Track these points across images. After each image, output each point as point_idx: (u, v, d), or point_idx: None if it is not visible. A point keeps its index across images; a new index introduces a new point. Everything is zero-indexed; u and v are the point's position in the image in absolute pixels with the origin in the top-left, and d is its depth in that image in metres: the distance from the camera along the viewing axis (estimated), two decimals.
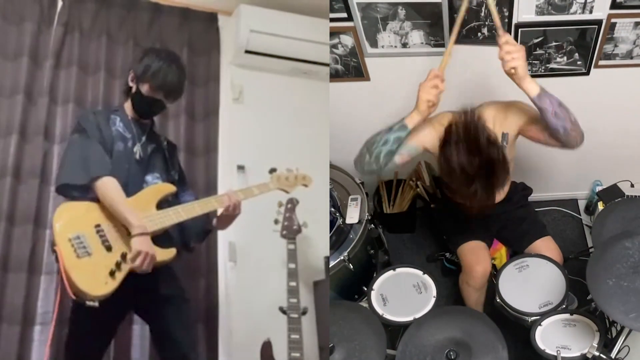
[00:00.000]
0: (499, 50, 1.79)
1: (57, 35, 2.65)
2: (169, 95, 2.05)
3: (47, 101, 2.56)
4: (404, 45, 2.21)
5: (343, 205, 2.46)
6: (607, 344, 1.92)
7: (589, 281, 1.77)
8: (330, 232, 2.32)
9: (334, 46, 2.26)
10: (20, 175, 2.46)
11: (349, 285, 2.41)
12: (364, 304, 2.17)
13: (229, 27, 3.01)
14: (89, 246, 1.83)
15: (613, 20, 2.05)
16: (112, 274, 1.81)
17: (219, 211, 2.15)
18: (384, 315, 2.05)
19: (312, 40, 2.94)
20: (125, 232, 1.89)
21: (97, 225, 1.87)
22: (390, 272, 2.20)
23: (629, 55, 2.18)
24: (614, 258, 1.80)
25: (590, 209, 2.94)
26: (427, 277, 2.16)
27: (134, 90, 2.04)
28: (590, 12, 2.03)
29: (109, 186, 1.89)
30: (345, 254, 2.28)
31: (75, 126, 2.01)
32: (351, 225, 2.39)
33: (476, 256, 2.23)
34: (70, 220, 1.86)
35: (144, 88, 2.01)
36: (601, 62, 2.22)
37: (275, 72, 3.10)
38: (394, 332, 2.14)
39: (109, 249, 1.85)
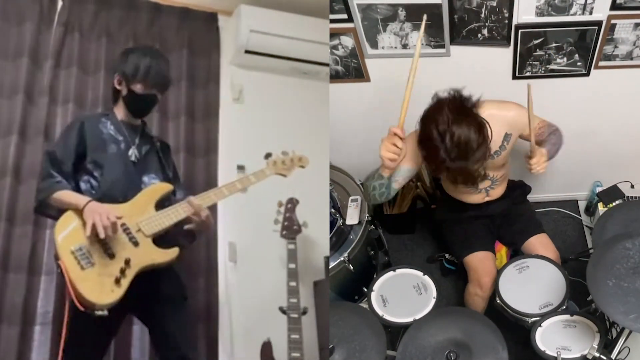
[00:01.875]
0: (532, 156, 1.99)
1: (57, 35, 2.65)
2: (163, 88, 2.08)
3: (47, 101, 2.56)
4: (404, 46, 2.21)
5: (343, 206, 2.46)
6: (607, 345, 1.92)
7: (589, 282, 1.77)
8: (330, 233, 2.32)
9: (334, 47, 2.26)
10: (20, 175, 2.46)
11: (349, 286, 2.41)
12: (364, 304, 2.17)
13: (229, 27, 3.01)
14: (92, 256, 1.84)
15: (613, 21, 2.05)
16: (117, 281, 1.82)
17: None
18: (384, 316, 2.05)
19: (312, 40, 2.94)
20: (126, 237, 1.90)
21: (97, 235, 1.86)
22: (391, 273, 2.21)
23: (629, 56, 2.18)
24: (614, 259, 1.81)
25: (590, 209, 2.94)
26: (427, 278, 2.16)
27: (124, 92, 2.06)
28: (590, 13, 2.02)
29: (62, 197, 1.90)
30: (346, 254, 2.28)
31: (60, 136, 2.06)
32: (351, 226, 2.39)
33: (483, 267, 2.22)
34: (71, 231, 1.86)
35: (138, 87, 2.03)
36: (601, 63, 2.22)
37: (275, 72, 3.10)
38: (394, 333, 2.14)
39: (111, 256, 1.86)
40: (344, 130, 2.65)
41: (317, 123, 2.93)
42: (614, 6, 2.00)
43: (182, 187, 2.23)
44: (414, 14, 2.08)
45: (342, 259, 2.28)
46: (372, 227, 2.47)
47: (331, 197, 2.45)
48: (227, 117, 2.95)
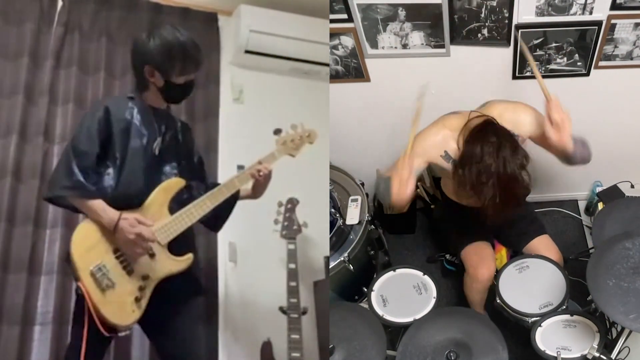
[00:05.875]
0: (550, 110, 1.86)
1: (57, 35, 2.66)
2: (198, 67, 1.95)
3: (47, 101, 2.56)
4: (404, 46, 2.21)
5: (343, 206, 2.46)
6: (607, 345, 1.92)
7: (589, 282, 1.77)
8: (330, 233, 2.32)
9: (334, 47, 2.26)
10: (20, 175, 2.46)
11: (349, 286, 2.40)
12: (364, 304, 2.17)
13: (229, 27, 3.02)
14: (112, 275, 1.78)
15: (613, 21, 2.05)
16: (137, 300, 1.79)
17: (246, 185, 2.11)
18: (384, 316, 2.05)
19: (312, 40, 2.94)
20: None
21: (116, 250, 1.81)
22: (391, 273, 2.21)
23: (629, 56, 2.18)
24: (614, 259, 1.81)
25: (590, 209, 2.94)
26: (427, 278, 2.16)
27: (161, 84, 1.91)
28: (590, 13, 2.03)
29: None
30: (346, 254, 2.28)
31: (81, 123, 1.88)
32: (351, 226, 2.38)
33: (480, 257, 2.21)
34: (88, 248, 1.79)
35: (179, 79, 1.91)
36: (601, 63, 2.22)
37: (275, 72, 3.10)
38: (394, 333, 2.14)
39: (130, 272, 1.81)
40: (344, 130, 2.65)
41: (317, 123, 2.92)
42: (614, 6, 2.00)
43: (204, 173, 2.16)
44: (414, 14, 2.08)
45: (342, 258, 2.28)
46: (372, 227, 2.47)
47: (331, 197, 2.45)
48: (227, 117, 2.95)
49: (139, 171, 1.88)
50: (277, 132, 2.21)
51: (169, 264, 1.89)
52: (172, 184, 1.95)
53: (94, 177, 1.82)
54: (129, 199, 1.86)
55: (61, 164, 1.83)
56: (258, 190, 2.17)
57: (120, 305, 1.77)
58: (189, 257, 1.92)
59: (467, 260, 2.27)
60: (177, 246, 1.92)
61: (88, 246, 1.80)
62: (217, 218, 2.11)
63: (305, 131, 2.22)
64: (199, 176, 2.12)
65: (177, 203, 1.96)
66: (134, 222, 1.79)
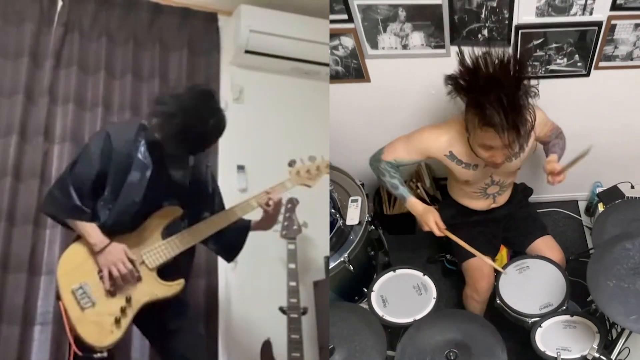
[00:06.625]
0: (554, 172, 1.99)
1: (57, 35, 2.66)
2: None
3: (47, 101, 2.57)
4: (405, 46, 2.20)
5: (343, 206, 2.45)
6: (607, 346, 1.92)
7: (589, 282, 1.77)
8: (330, 234, 2.32)
9: (334, 48, 2.25)
10: (20, 175, 2.46)
11: (349, 286, 2.40)
12: (364, 305, 2.17)
13: (229, 27, 3.02)
14: (93, 295, 1.79)
15: (613, 21, 2.05)
16: (117, 321, 1.77)
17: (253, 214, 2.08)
18: (383, 317, 2.05)
19: (312, 41, 2.95)
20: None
21: (101, 271, 1.82)
22: (391, 274, 2.20)
23: (629, 56, 2.18)
24: (614, 259, 1.81)
25: (590, 210, 2.94)
26: (427, 279, 2.16)
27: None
28: (591, 13, 2.02)
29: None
30: (346, 255, 2.27)
31: (84, 147, 1.89)
32: (351, 226, 2.38)
33: (481, 272, 2.22)
34: (73, 268, 1.81)
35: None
36: (601, 64, 2.21)
37: (275, 72, 3.10)
38: (394, 333, 2.14)
39: (113, 293, 1.80)
40: (344, 130, 2.65)
41: (317, 123, 2.93)
42: (614, 7, 1.99)
43: (214, 206, 2.10)
44: (414, 14, 2.08)
45: (342, 259, 2.27)
46: (372, 227, 2.46)
47: (331, 197, 2.44)
48: (227, 117, 2.94)
49: (133, 205, 1.85)
50: (292, 163, 2.17)
51: (155, 289, 1.87)
52: (168, 211, 1.94)
53: (90, 201, 1.84)
54: (122, 227, 1.86)
55: (60, 183, 1.86)
56: (268, 220, 2.13)
57: (98, 324, 1.76)
58: (179, 283, 1.89)
59: (467, 273, 2.28)
60: (170, 272, 1.90)
61: (74, 265, 1.81)
62: (227, 248, 2.13)
63: (323, 163, 2.18)
64: (209, 210, 2.07)
65: (174, 230, 1.95)
66: (120, 254, 1.80)
